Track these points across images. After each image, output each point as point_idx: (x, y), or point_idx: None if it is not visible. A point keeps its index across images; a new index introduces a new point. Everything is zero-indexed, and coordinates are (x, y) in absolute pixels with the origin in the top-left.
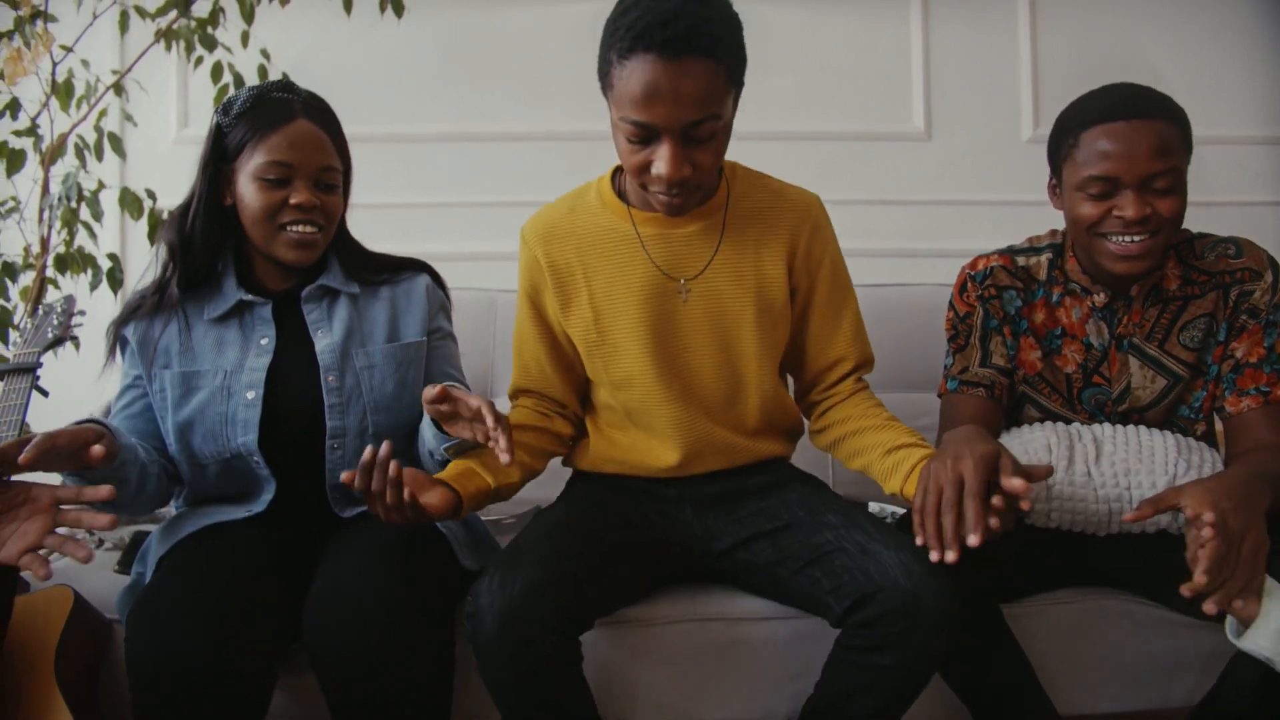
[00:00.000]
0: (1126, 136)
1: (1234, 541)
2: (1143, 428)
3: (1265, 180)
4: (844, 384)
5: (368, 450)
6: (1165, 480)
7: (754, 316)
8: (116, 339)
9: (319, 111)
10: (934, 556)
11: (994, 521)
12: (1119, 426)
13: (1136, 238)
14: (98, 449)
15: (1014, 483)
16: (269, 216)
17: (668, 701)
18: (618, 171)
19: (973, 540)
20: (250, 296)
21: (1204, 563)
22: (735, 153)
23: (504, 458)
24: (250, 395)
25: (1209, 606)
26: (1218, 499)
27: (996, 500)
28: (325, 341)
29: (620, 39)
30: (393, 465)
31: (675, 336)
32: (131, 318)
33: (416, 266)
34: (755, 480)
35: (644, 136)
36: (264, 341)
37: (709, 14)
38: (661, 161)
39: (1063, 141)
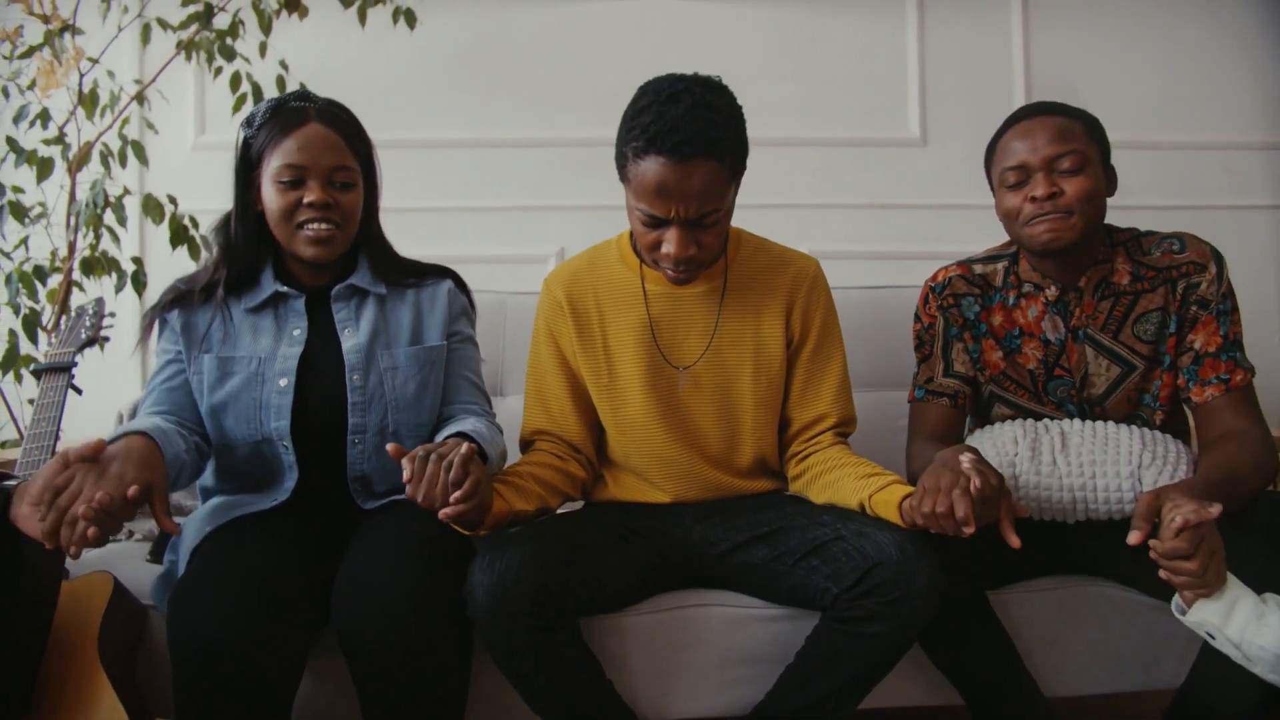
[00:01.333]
0: (1029, 131)
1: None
2: (1110, 423)
3: (1261, 184)
4: (824, 437)
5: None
6: (1129, 470)
7: (751, 370)
8: (155, 321)
9: (332, 115)
10: (967, 531)
11: (975, 485)
12: (1086, 421)
13: (1051, 216)
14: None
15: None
16: (286, 216)
17: (699, 690)
18: None
19: (969, 531)
20: (285, 289)
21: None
22: None
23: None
24: (283, 382)
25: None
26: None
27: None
28: (351, 342)
29: (635, 139)
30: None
31: (677, 386)
32: (175, 306)
33: (442, 272)
34: (751, 501)
35: (655, 223)
36: (296, 332)
37: (713, 117)
38: (670, 244)
39: (988, 157)
